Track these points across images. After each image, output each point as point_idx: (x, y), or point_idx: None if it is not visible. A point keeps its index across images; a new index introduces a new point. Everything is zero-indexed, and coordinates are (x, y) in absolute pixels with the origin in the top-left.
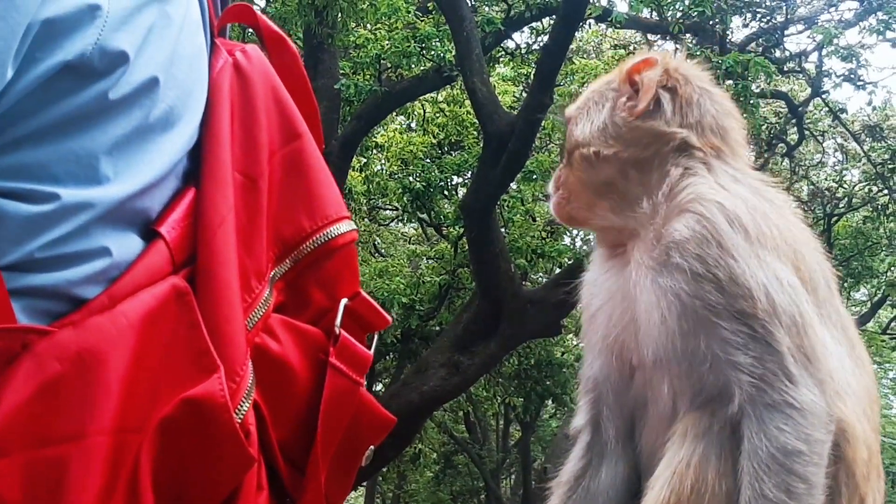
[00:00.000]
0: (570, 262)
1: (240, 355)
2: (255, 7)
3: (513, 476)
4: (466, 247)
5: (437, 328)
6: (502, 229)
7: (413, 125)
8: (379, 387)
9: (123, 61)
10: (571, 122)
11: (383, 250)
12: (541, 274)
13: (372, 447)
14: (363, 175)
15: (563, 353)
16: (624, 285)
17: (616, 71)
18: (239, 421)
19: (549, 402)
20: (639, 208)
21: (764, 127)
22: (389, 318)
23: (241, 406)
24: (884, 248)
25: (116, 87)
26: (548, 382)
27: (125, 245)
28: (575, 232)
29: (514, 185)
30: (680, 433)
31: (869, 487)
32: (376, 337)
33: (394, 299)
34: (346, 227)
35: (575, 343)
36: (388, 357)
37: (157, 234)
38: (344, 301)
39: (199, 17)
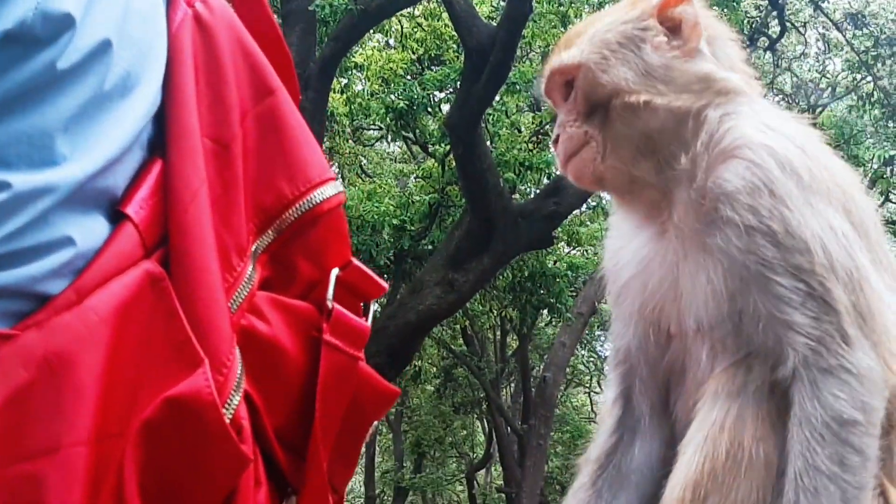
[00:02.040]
0: (558, 173)
1: (225, 343)
2: None
3: (512, 385)
4: (454, 164)
5: (430, 247)
6: (489, 143)
7: (391, 42)
8: (375, 307)
9: (69, 25)
10: (592, 69)
11: (370, 171)
12: (530, 185)
13: (376, 423)
14: (344, 96)
15: (555, 262)
16: (661, 251)
17: (629, 6)
18: (229, 418)
19: (545, 312)
20: (677, 164)
21: (746, 21)
22: (385, 284)
23: (231, 400)
24: (869, 136)
25: (65, 55)
26: (542, 293)
27: (90, 231)
28: None
29: (497, 98)
30: (711, 392)
31: None
32: (372, 307)
33: (384, 221)
34: (331, 189)
35: (567, 251)
36: (382, 278)
37: (124, 215)
38: (335, 271)
39: None
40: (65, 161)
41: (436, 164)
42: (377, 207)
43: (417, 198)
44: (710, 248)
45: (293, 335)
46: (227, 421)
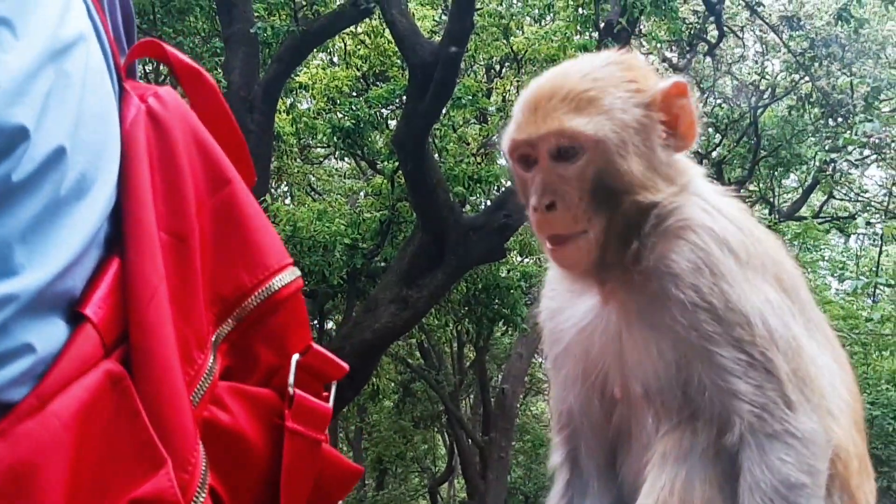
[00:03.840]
0: (507, 185)
1: (189, 441)
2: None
3: (471, 396)
4: (403, 180)
5: (383, 264)
6: (437, 158)
7: (335, 60)
8: (330, 325)
9: (23, 137)
10: (611, 150)
11: (319, 189)
12: (480, 197)
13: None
14: (290, 116)
15: (508, 272)
16: (604, 321)
17: (633, 86)
18: None
19: (500, 323)
20: (629, 246)
21: (684, 27)
22: (346, 365)
23: (197, 498)
24: (810, 135)
25: (19, 167)
26: (497, 305)
27: (50, 335)
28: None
29: (443, 113)
30: (659, 456)
31: (862, 493)
32: (333, 387)
33: (336, 241)
34: (289, 276)
35: (519, 261)
36: (336, 298)
37: (83, 316)
38: (295, 357)
39: (103, 64)
40: (23, 270)
41: (385, 181)
42: (328, 227)
43: (368, 215)
44: (655, 323)
45: (255, 424)
46: None
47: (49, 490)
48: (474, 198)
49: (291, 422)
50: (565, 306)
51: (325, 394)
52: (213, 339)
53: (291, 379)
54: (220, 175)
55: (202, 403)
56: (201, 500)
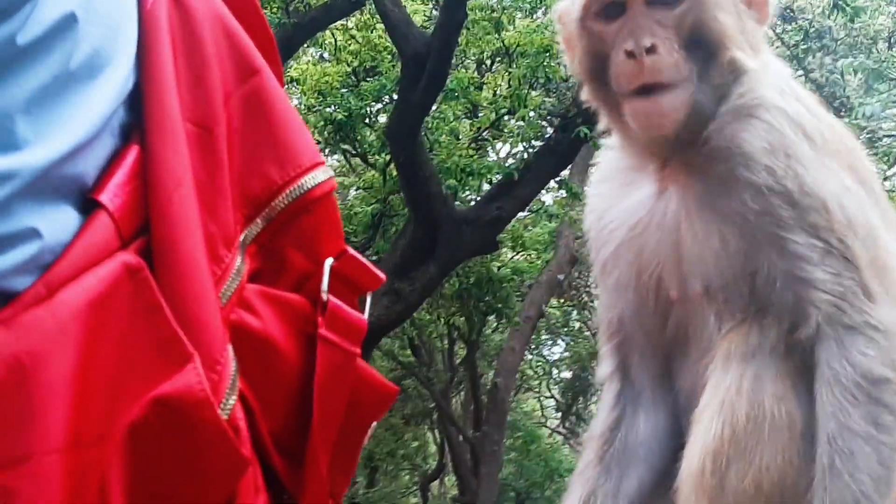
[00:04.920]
0: (499, 178)
1: (217, 339)
2: None
3: (462, 393)
4: (395, 173)
5: (375, 258)
6: (429, 151)
7: (326, 55)
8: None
9: None
10: (709, 3)
11: None
12: (469, 192)
13: (374, 423)
14: None
15: (499, 268)
16: (660, 212)
17: None
18: (226, 418)
19: (492, 318)
20: (703, 111)
21: None
22: (382, 274)
23: (227, 400)
24: None
25: (25, 29)
26: (489, 298)
27: (58, 222)
28: (500, 146)
29: (435, 106)
30: (723, 356)
31: None
32: (369, 299)
33: None
34: (322, 175)
35: (511, 256)
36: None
37: (97, 203)
38: (329, 262)
39: None
40: (27, 145)
41: (377, 175)
42: None
43: (359, 209)
44: (721, 209)
45: (287, 330)
46: (224, 421)
47: (55, 384)
48: (466, 193)
49: (325, 330)
50: (614, 204)
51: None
52: (240, 238)
53: (325, 285)
54: (249, 64)
55: (229, 305)
56: (231, 402)
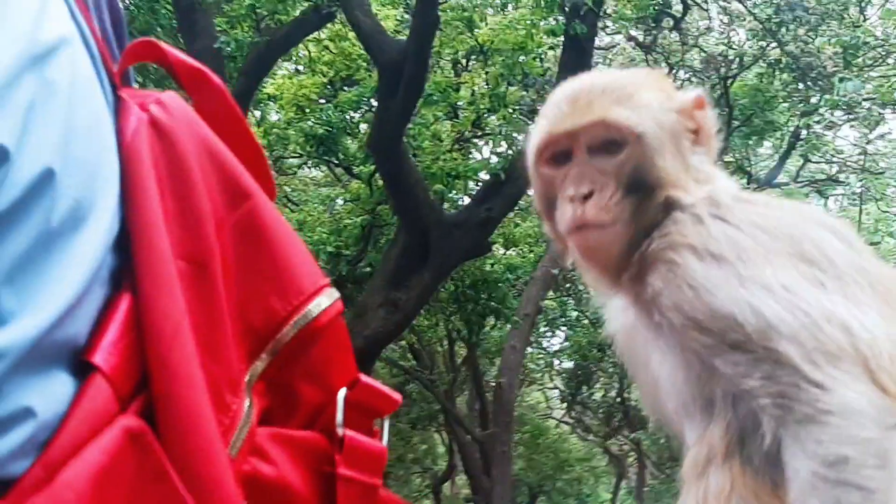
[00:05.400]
0: (487, 178)
1: (230, 499)
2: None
3: (466, 393)
4: (381, 183)
5: (368, 269)
6: (413, 158)
7: (300, 68)
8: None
9: (3, 159)
10: (650, 146)
11: (295, 199)
12: (456, 193)
13: None
14: (261, 129)
15: (492, 265)
16: (632, 334)
17: (664, 94)
18: None
19: (491, 317)
20: (634, 248)
21: (649, 4)
22: (399, 396)
23: None
24: (782, 101)
25: (1, 194)
26: (484, 299)
27: (52, 394)
28: (482, 144)
29: (414, 112)
30: (691, 465)
31: None
32: (386, 424)
33: (319, 250)
34: (327, 299)
35: (502, 253)
36: None
37: (91, 365)
38: (342, 393)
39: (92, 70)
40: (12, 318)
41: (363, 186)
42: (310, 237)
43: (348, 221)
44: (661, 345)
45: (303, 473)
46: None
47: None
48: (453, 194)
49: (344, 468)
50: (617, 325)
51: (376, 429)
52: (246, 378)
53: (340, 418)
54: (239, 188)
55: (241, 455)
56: None
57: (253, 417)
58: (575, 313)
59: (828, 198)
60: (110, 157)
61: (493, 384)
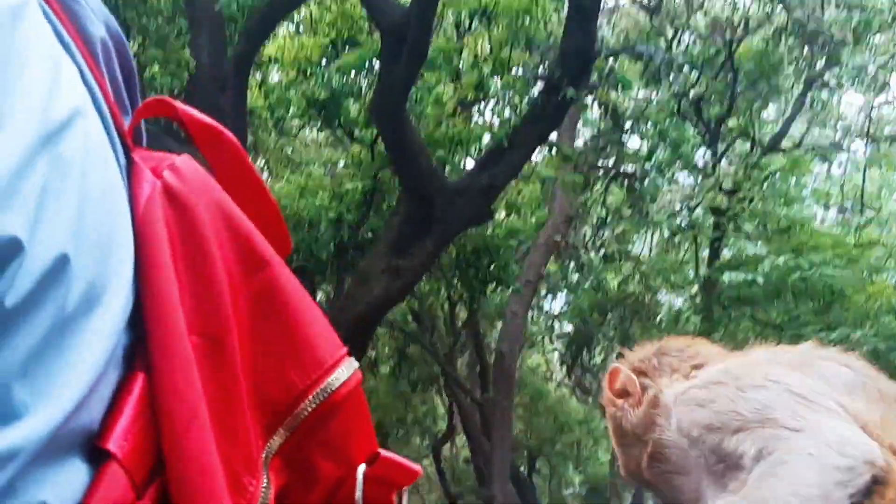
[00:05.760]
0: (489, 145)
1: None
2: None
3: (467, 355)
4: (383, 148)
5: (370, 235)
6: (415, 124)
7: (301, 29)
8: (320, 296)
9: (16, 251)
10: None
11: (297, 161)
12: (459, 159)
13: None
14: (262, 91)
15: (494, 229)
16: None
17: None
18: None
19: (493, 284)
20: None
21: None
22: (418, 467)
23: None
24: (787, 66)
25: (14, 289)
26: (487, 266)
27: (68, 485)
28: (484, 105)
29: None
30: None
31: None
32: (406, 496)
33: (321, 216)
34: (346, 371)
35: (504, 216)
36: (326, 272)
37: (106, 452)
38: (362, 469)
39: (105, 137)
40: (27, 412)
41: (364, 150)
42: (312, 203)
43: (350, 185)
44: None
45: None
46: None
47: None
48: (456, 159)
49: None
50: None
51: (394, 500)
52: (263, 455)
53: (359, 493)
54: (256, 256)
55: None
56: None
57: (270, 498)
58: (576, 276)
59: (832, 163)
60: (124, 229)
61: (494, 348)
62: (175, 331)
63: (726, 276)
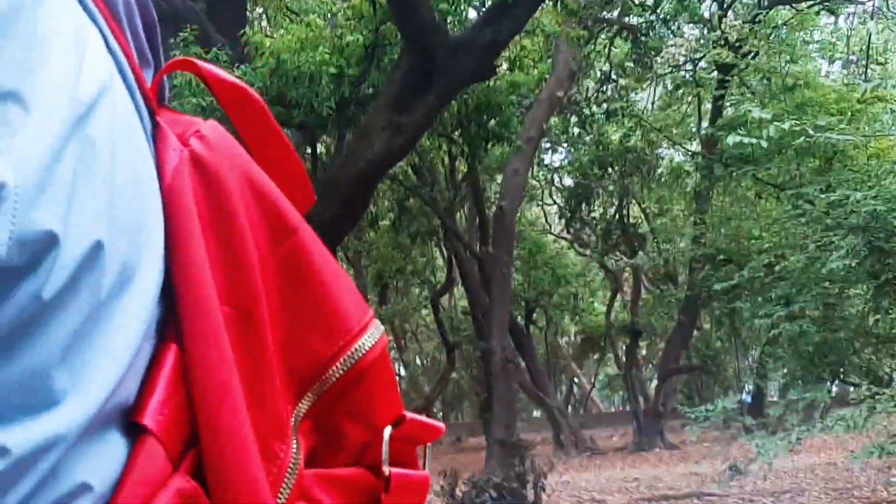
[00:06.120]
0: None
1: None
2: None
3: (466, 208)
4: (384, 1)
5: (371, 90)
6: None
7: None
8: (320, 148)
9: (52, 245)
10: None
11: (296, 9)
12: (464, 9)
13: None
14: None
15: (495, 81)
16: None
17: None
18: None
19: (494, 141)
20: None
21: None
22: (441, 424)
23: None
24: None
25: (50, 280)
26: (489, 122)
27: (107, 463)
28: None
29: None
30: None
31: None
32: (429, 451)
33: (322, 70)
34: (371, 338)
35: (506, 68)
36: (326, 127)
37: (142, 427)
38: (388, 432)
39: (131, 104)
40: (67, 398)
41: (366, 4)
42: (313, 57)
43: (351, 38)
44: None
45: None
46: None
47: None
48: (459, 8)
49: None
50: None
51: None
52: (292, 420)
53: (385, 455)
54: (284, 223)
55: (289, 502)
56: None
57: (300, 461)
58: (577, 130)
59: (839, 16)
60: (154, 203)
61: (493, 202)
62: (207, 303)
63: (730, 139)
